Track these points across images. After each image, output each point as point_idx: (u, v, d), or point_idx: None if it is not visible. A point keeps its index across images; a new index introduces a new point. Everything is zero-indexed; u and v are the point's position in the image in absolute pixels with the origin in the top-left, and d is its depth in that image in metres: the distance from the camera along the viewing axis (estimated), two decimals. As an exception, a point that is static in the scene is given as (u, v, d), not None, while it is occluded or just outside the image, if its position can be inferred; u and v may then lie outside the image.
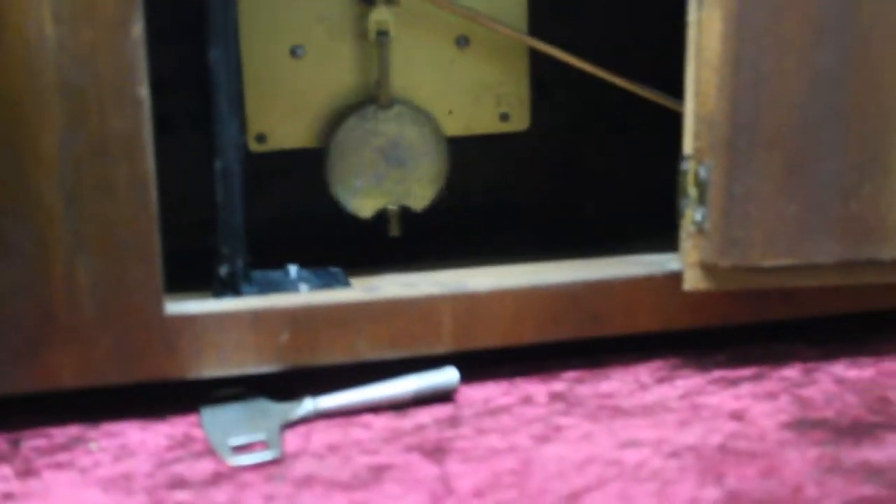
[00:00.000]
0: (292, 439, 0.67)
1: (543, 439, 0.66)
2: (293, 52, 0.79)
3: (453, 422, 0.69)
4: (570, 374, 0.75)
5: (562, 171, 0.92)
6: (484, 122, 0.84)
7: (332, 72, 0.80)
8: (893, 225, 0.72)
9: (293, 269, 0.77)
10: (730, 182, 0.70)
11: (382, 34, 0.79)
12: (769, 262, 0.72)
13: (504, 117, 0.84)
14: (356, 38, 0.80)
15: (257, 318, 0.69)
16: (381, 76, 0.80)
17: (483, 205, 0.92)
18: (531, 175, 0.92)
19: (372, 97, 0.80)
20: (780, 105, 0.69)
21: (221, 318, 0.69)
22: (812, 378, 0.73)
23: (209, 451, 0.66)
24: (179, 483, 0.63)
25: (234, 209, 0.73)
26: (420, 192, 0.82)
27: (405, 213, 0.83)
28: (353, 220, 0.83)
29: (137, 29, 0.64)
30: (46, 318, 0.67)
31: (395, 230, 0.83)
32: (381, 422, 0.69)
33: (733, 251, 0.71)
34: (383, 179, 0.81)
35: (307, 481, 0.63)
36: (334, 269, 0.78)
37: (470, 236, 0.90)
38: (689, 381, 0.74)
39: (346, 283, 0.76)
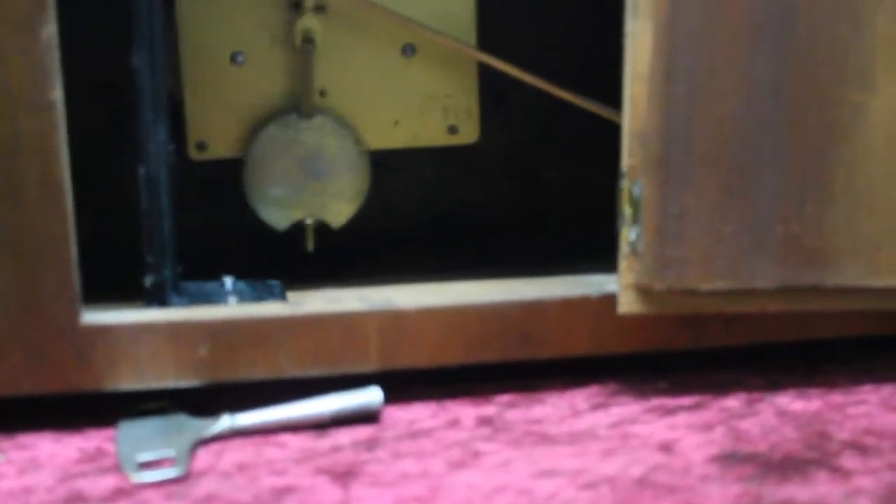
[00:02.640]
0: (205, 457, 0.66)
1: (459, 465, 0.64)
2: (233, 59, 0.78)
3: (371, 444, 0.67)
4: (504, 398, 0.73)
5: (518, 185, 0.90)
6: (431, 133, 0.82)
7: (272, 80, 0.79)
8: (837, 249, 0.69)
9: (228, 281, 0.76)
10: (663, 200, 0.68)
11: (308, 41, 0.77)
12: (706, 286, 0.69)
13: (452, 129, 0.82)
14: (296, 45, 0.78)
15: (175, 331, 0.68)
16: (305, 84, 0.78)
17: (433, 219, 0.90)
18: (485, 188, 0.90)
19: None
20: (716, 119, 0.67)
21: (138, 329, 0.67)
22: (754, 409, 0.71)
23: (117, 467, 0.64)
24: (78, 498, 0.61)
25: (161, 217, 0.71)
26: (337, 207, 0.80)
27: (358, 224, 0.81)
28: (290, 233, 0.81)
29: (48, 31, 0.63)
30: (-46, 325, 0.65)
31: (309, 244, 0.81)
32: (298, 441, 0.67)
33: (668, 273, 0.69)
34: (300, 191, 0.79)
35: (207, 500, 0.61)
36: (272, 283, 0.76)
37: (417, 251, 0.88)
38: (624, 409, 0.71)
39: (282, 297, 0.74)
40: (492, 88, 0.85)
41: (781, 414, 0.70)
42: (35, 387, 0.67)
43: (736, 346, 0.74)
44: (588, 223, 0.88)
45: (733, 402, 0.72)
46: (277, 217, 0.80)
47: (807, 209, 0.69)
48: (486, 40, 0.82)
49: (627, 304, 0.70)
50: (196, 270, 0.75)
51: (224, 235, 0.85)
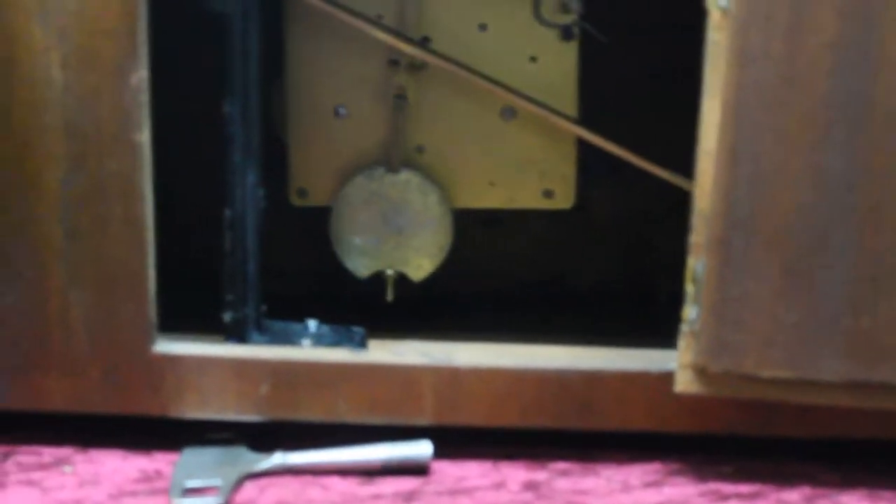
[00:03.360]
0: (249, 490, 0.69)
1: (486, 526, 0.65)
2: (336, 112, 0.81)
3: (410, 496, 0.68)
4: (559, 465, 0.72)
5: (627, 252, 0.90)
6: (526, 196, 0.82)
7: (372, 133, 0.81)
8: (912, 347, 0.66)
9: (312, 324, 0.78)
10: (723, 281, 0.66)
11: (400, 97, 0.80)
12: (765, 373, 0.67)
13: (548, 193, 0.82)
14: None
15: (239, 367, 0.71)
16: (395, 139, 0.80)
17: (538, 281, 0.90)
18: (593, 254, 0.90)
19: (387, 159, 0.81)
20: (781, 204, 0.65)
21: (205, 361, 0.71)
22: None
23: (166, 490, 0.68)
24: (121, 516, 0.65)
25: (244, 258, 0.75)
26: (418, 261, 0.82)
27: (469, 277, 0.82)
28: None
29: (137, 77, 0.68)
30: (41, 342, 0.71)
31: (389, 295, 0.82)
32: (343, 486, 0.69)
33: (725, 356, 0.67)
34: (382, 242, 0.81)
35: (234, 532, 0.64)
36: (356, 329, 0.78)
37: (521, 311, 0.88)
38: (677, 490, 0.70)
39: (361, 345, 0.76)
40: (604, 156, 0.85)
41: (842, 514, 0.67)
42: (108, 406, 0.72)
43: (807, 438, 0.71)
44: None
45: (794, 495, 0.69)
46: (359, 265, 0.82)
47: (880, 304, 0.66)
48: (587, 110, 0.82)
49: (684, 384, 0.69)
50: (297, 311, 0.78)
51: (330, 279, 0.88)
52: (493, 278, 0.92)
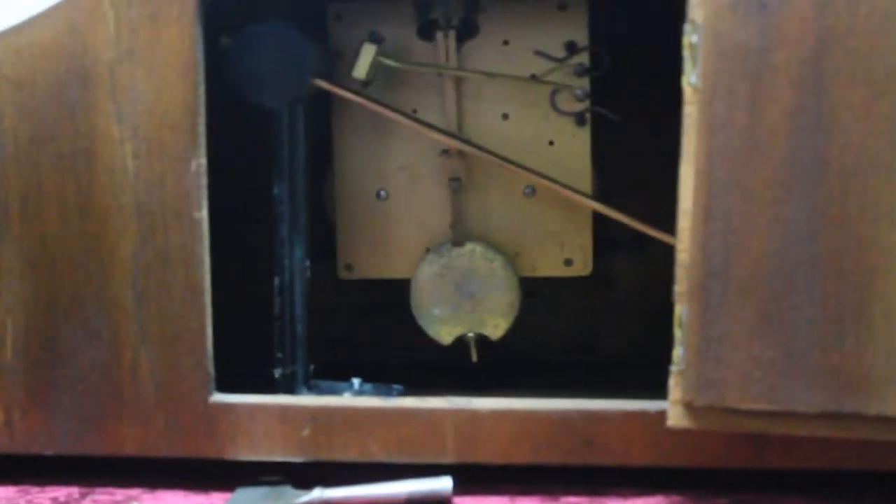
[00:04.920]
0: (291, 519, 0.78)
1: (495, 545, 0.73)
2: (378, 195, 0.92)
3: (431, 523, 0.77)
4: (570, 499, 0.80)
5: (649, 320, 0.98)
6: (548, 265, 0.92)
7: (411, 212, 0.92)
8: (879, 380, 0.73)
9: (356, 382, 0.88)
10: (703, 324, 0.74)
11: (455, 181, 0.90)
12: (746, 406, 0.74)
13: (568, 262, 0.92)
14: (434, 183, 0.91)
15: (284, 413, 0.81)
16: (455, 217, 0.91)
17: (575, 345, 0.99)
18: (625, 320, 0.99)
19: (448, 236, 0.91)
20: (751, 255, 0.73)
21: (255, 409, 0.81)
22: (798, 528, 0.75)
23: (219, 520, 0.78)
24: (178, 539, 0.75)
25: (292, 320, 0.85)
26: (493, 321, 0.91)
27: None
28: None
29: (196, 163, 0.80)
30: (115, 393, 0.82)
31: (473, 356, 0.92)
32: (373, 515, 0.78)
33: (709, 392, 0.75)
34: (458, 309, 0.91)
35: (273, 550, 0.73)
36: (395, 387, 0.88)
37: (547, 375, 0.97)
38: (674, 517, 0.77)
39: (398, 399, 0.86)
40: (626, 230, 0.94)
41: (824, 537, 0.73)
42: (172, 451, 0.82)
43: (796, 470, 0.78)
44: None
45: (783, 523, 0.76)
46: (442, 333, 0.92)
47: (846, 342, 0.73)
48: (603, 185, 0.92)
49: (675, 419, 0.76)
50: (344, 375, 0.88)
51: (375, 346, 0.98)
52: (526, 346, 1.01)
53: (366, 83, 0.88)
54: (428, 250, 0.91)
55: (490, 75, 0.90)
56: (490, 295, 0.91)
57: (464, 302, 0.91)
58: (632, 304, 1.02)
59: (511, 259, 0.92)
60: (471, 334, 0.91)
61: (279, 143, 0.85)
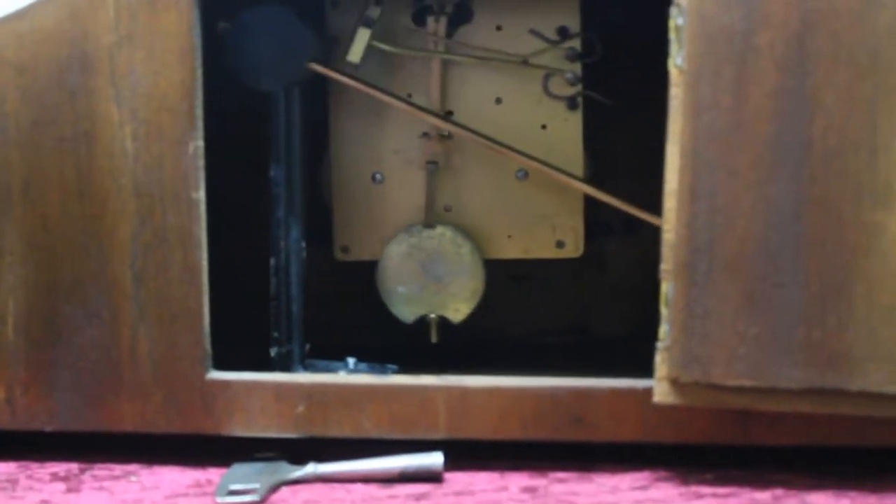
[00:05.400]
0: (284, 493, 0.79)
1: (483, 517, 0.74)
2: (373, 178, 0.94)
3: (421, 497, 0.78)
4: (559, 474, 0.82)
5: (642, 302, 0.99)
6: (540, 247, 0.93)
7: (404, 196, 0.93)
8: (860, 356, 0.74)
9: (351, 361, 0.90)
10: (689, 302, 0.76)
11: (432, 163, 0.92)
12: (731, 382, 0.76)
13: (560, 244, 0.93)
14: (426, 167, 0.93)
15: (279, 390, 0.83)
16: (428, 199, 0.92)
17: (566, 327, 1.01)
18: (615, 304, 1.00)
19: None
20: (736, 234, 0.75)
21: (250, 386, 0.83)
22: (780, 502, 0.76)
23: (213, 493, 0.80)
24: (174, 510, 0.77)
25: (288, 300, 0.87)
26: (455, 305, 0.93)
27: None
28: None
29: (194, 145, 0.81)
30: (114, 371, 0.83)
31: (433, 337, 0.93)
32: (365, 490, 0.80)
33: (694, 368, 0.76)
34: (423, 290, 0.92)
35: (268, 521, 0.75)
36: (390, 366, 0.89)
37: (541, 356, 0.99)
38: (660, 492, 0.78)
39: (392, 377, 0.87)
40: (620, 214, 0.95)
41: (804, 509, 0.75)
42: (169, 427, 0.83)
43: (783, 446, 0.80)
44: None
45: (766, 495, 0.77)
46: (405, 311, 0.93)
47: (828, 319, 0.74)
48: (595, 169, 0.94)
49: (661, 395, 0.78)
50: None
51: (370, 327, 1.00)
52: (520, 328, 1.03)
53: (356, 66, 0.89)
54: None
55: (481, 59, 0.92)
56: (455, 279, 0.92)
57: (429, 283, 0.92)
58: (625, 286, 1.03)
59: (503, 241, 0.93)
60: (433, 315, 0.93)
61: (276, 126, 0.87)
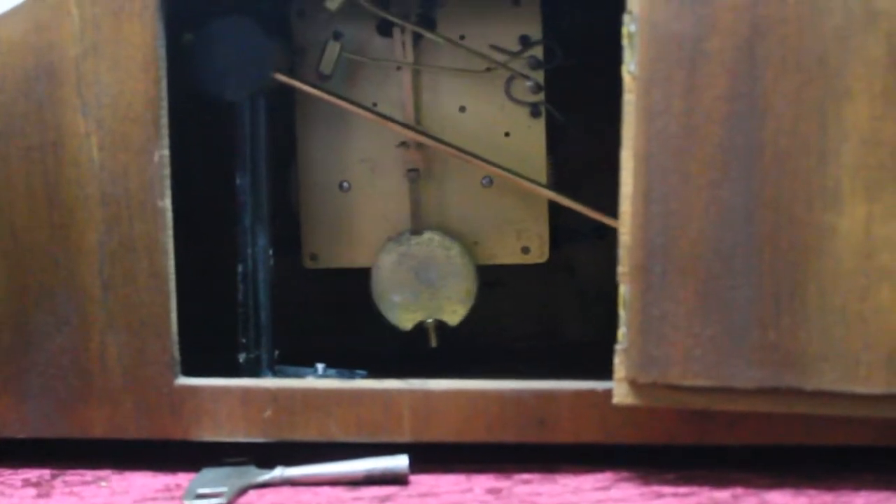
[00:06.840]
0: (251, 496, 0.81)
1: (445, 517, 0.76)
2: (340, 186, 0.95)
3: (386, 498, 0.79)
4: (523, 476, 0.83)
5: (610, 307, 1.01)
6: (506, 253, 0.95)
7: (372, 203, 0.95)
8: (814, 356, 0.76)
9: (320, 367, 0.91)
10: (646, 304, 0.77)
11: (413, 171, 0.93)
12: (688, 382, 0.77)
13: (525, 250, 0.95)
14: (394, 175, 0.94)
15: (246, 395, 0.84)
16: (413, 207, 0.93)
17: (538, 333, 1.02)
18: (583, 309, 1.01)
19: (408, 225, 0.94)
20: (690, 236, 0.76)
21: (218, 391, 0.84)
22: (739, 500, 0.77)
23: (181, 498, 0.81)
24: (142, 515, 0.78)
25: (256, 307, 0.88)
26: (451, 307, 0.94)
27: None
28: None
29: (159, 154, 0.83)
30: (84, 378, 0.85)
31: (433, 341, 0.95)
32: (332, 493, 0.81)
33: (652, 369, 0.77)
34: (418, 296, 0.94)
35: (232, 524, 0.76)
36: (359, 371, 0.91)
37: (512, 361, 1.00)
38: (621, 493, 0.79)
39: (360, 384, 0.88)
40: (588, 221, 0.96)
41: (761, 506, 0.76)
42: (139, 432, 0.85)
43: (742, 446, 0.81)
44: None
45: (725, 494, 0.78)
46: (401, 318, 0.94)
47: (782, 320, 0.76)
48: (558, 176, 0.95)
49: (620, 396, 0.79)
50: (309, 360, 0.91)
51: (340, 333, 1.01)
52: (489, 334, 1.04)
53: (327, 77, 0.91)
54: (389, 239, 0.94)
55: (447, 68, 0.93)
56: (448, 282, 0.93)
57: (423, 289, 0.94)
58: (594, 291, 1.05)
59: (470, 247, 0.94)
60: (430, 320, 0.94)
61: (241, 135, 0.88)
